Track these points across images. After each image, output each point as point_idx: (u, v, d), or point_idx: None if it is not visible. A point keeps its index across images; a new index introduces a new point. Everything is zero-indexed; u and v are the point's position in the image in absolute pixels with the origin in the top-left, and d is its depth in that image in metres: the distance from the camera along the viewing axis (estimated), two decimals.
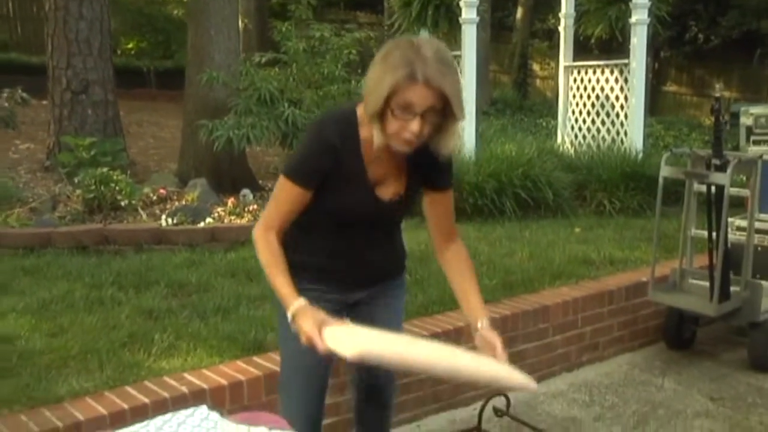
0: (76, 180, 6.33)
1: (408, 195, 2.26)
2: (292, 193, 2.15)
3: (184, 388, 3.06)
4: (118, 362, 3.34)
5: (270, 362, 3.32)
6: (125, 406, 2.90)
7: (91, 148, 6.90)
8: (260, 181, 7.42)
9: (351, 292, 2.39)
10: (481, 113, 9.16)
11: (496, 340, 2.15)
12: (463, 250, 2.37)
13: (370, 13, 20.93)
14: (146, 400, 2.95)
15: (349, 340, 1.94)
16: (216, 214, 5.82)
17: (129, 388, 3.07)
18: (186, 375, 3.21)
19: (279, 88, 6.99)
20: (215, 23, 7.20)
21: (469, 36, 7.46)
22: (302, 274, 2.23)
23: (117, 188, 5.96)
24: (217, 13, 7.21)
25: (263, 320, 3.79)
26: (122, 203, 5.93)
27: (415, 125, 1.97)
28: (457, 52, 7.31)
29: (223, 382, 3.14)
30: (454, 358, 1.97)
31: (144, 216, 5.84)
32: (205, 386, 3.09)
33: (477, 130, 8.01)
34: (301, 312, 2.06)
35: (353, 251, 2.31)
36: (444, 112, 2.00)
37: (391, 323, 2.39)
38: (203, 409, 1.65)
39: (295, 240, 2.26)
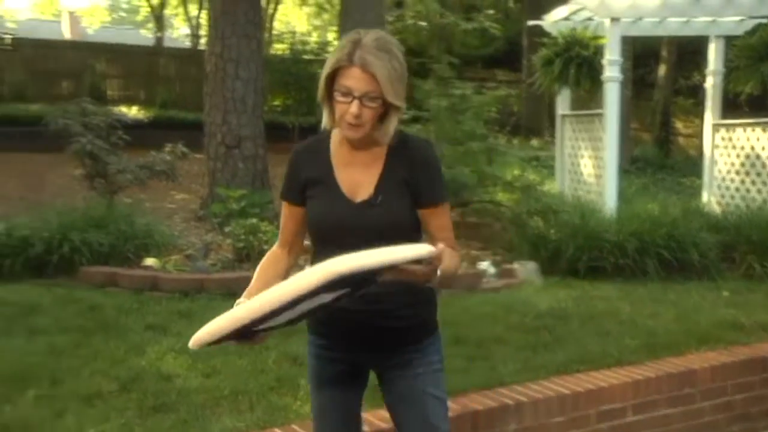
0: (226, 229, 6.66)
1: (384, 199, 2.11)
2: (284, 210, 2.26)
3: None
4: (267, 404, 3.50)
5: None
6: None
7: (241, 199, 7.26)
8: None
9: (357, 348, 2.23)
10: (622, 171, 9.04)
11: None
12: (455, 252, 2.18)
13: (509, 71, 21.08)
14: None
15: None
16: None
17: (278, 430, 3.20)
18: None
19: None
20: None
21: (612, 94, 7.43)
22: (311, 323, 2.27)
23: (264, 238, 6.23)
24: None
25: None
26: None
27: (353, 107, 2.03)
28: (599, 111, 7.28)
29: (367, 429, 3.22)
30: (302, 279, 1.77)
31: None
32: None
33: (617, 188, 7.90)
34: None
35: None
36: (384, 99, 2.04)
37: (411, 404, 2.20)
38: None
39: None
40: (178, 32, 30.58)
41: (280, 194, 2.26)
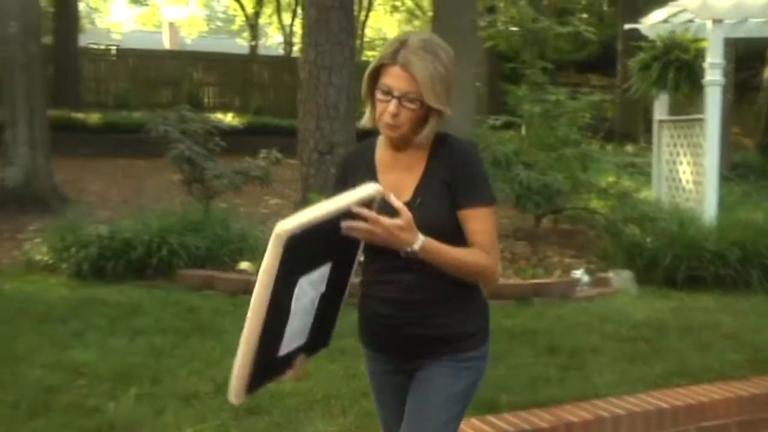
0: None
1: (423, 201, 2.04)
2: None
3: None
4: (359, 410, 3.51)
5: (504, 422, 3.34)
6: None
7: None
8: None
9: (396, 355, 2.17)
10: (722, 178, 8.71)
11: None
12: (485, 254, 2.05)
13: (603, 75, 20.67)
14: None
15: None
16: None
17: None
18: None
19: (514, 150, 7.09)
20: (455, 88, 7.46)
21: (713, 99, 7.19)
22: (361, 331, 2.23)
23: None
24: (458, 76, 7.48)
25: (497, 379, 3.82)
26: None
27: (391, 106, 1.99)
28: (700, 116, 7.05)
29: None
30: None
31: None
32: None
33: (718, 196, 7.63)
34: None
35: (387, 286, 2.09)
36: (423, 101, 2.00)
37: (420, 409, 2.10)
38: None
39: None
40: (272, 40, 31.24)
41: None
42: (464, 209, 2.04)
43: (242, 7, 24.88)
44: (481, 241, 2.03)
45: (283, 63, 19.16)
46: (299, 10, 16.34)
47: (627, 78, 9.48)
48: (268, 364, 1.83)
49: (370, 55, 17.55)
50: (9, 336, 4.51)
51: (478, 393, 3.66)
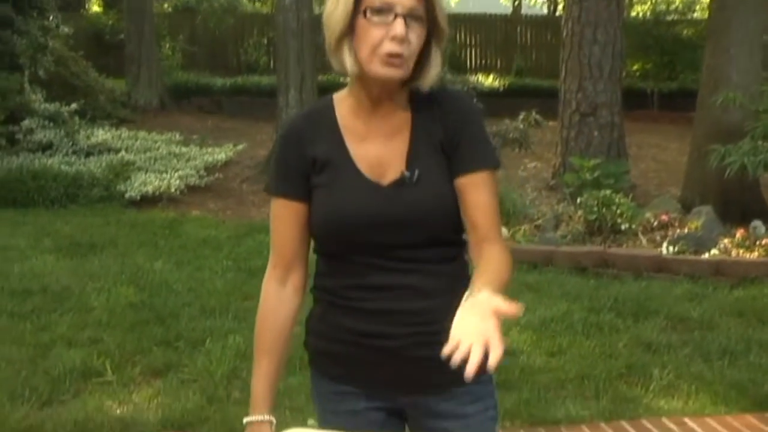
0: (578, 201, 6.44)
1: (423, 174, 1.54)
2: (276, 211, 1.63)
3: None
4: (615, 393, 3.26)
5: None
6: None
7: (595, 169, 6.97)
8: None
9: (387, 389, 1.63)
10: None
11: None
12: (499, 254, 1.53)
13: None
14: None
15: None
16: (722, 246, 5.41)
17: (625, 424, 2.96)
18: (687, 420, 2.99)
19: None
20: (736, 41, 6.74)
21: None
22: (322, 360, 1.67)
23: (618, 211, 5.90)
24: (738, 29, 6.74)
25: None
26: (622, 227, 5.86)
27: (398, 26, 1.45)
28: None
29: None
30: None
31: (644, 241, 5.69)
32: None
33: None
34: (252, 429, 1.57)
35: (375, 294, 1.57)
36: (428, 20, 1.49)
37: None
38: None
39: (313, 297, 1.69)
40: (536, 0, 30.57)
41: (269, 188, 1.64)
42: (466, 175, 1.54)
43: None
44: (488, 221, 1.54)
45: (546, 22, 18.61)
46: None
47: None
48: None
49: (639, 10, 16.44)
50: None
51: (758, 386, 3.26)
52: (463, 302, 1.35)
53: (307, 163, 1.58)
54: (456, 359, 1.21)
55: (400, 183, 1.54)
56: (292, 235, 1.61)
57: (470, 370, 1.20)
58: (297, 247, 1.62)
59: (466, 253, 1.65)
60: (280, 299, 1.61)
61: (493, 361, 1.21)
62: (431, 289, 1.56)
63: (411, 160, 1.55)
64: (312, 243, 1.66)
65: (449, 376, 1.48)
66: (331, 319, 1.62)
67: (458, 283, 1.55)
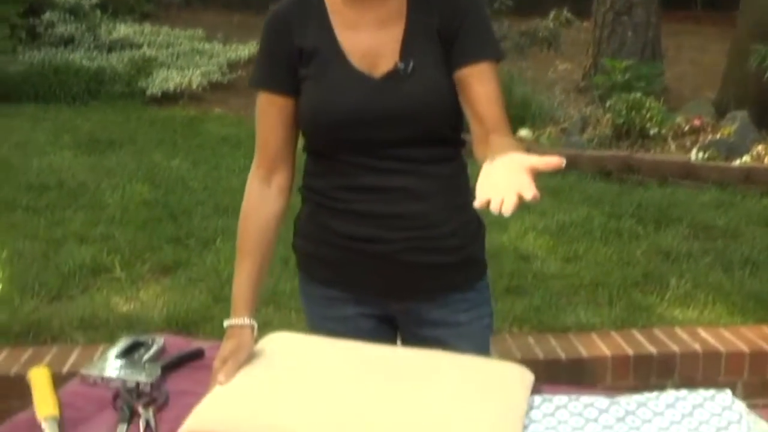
0: (607, 103, 6.24)
1: (418, 65, 1.44)
2: (260, 107, 1.53)
3: (696, 346, 2.78)
4: (628, 301, 3.19)
5: None
6: (630, 352, 2.73)
7: (627, 71, 6.72)
8: None
9: (383, 295, 1.57)
10: None
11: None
12: (512, 142, 1.37)
13: None
14: (653, 350, 2.75)
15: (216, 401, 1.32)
16: (754, 153, 5.22)
17: (636, 333, 2.89)
18: (700, 330, 2.91)
19: None
20: None
21: None
22: (310, 263, 1.61)
23: (648, 115, 5.70)
24: None
25: None
26: (651, 131, 5.67)
27: None
28: None
29: (743, 347, 2.77)
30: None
31: (673, 147, 5.51)
32: (721, 348, 2.76)
33: None
34: (232, 333, 1.46)
35: (367, 195, 1.49)
36: None
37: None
38: (727, 396, 1.37)
39: (303, 198, 1.61)
40: None
41: (253, 81, 1.55)
42: (468, 66, 1.43)
43: None
44: (495, 112, 1.42)
45: None
46: None
47: None
48: None
49: None
50: None
51: None
52: (485, 165, 1.19)
53: (294, 53, 1.48)
54: (494, 206, 1.07)
55: (393, 75, 1.45)
56: (276, 133, 1.52)
57: (508, 206, 1.07)
58: (282, 146, 1.53)
59: (465, 154, 1.55)
60: (262, 199, 1.53)
61: (529, 195, 1.09)
62: (426, 192, 1.48)
63: (405, 51, 1.45)
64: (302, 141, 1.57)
65: (443, 281, 1.53)
66: (319, 221, 1.57)
67: (455, 185, 1.49)
